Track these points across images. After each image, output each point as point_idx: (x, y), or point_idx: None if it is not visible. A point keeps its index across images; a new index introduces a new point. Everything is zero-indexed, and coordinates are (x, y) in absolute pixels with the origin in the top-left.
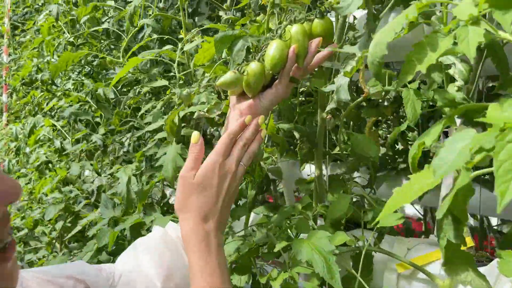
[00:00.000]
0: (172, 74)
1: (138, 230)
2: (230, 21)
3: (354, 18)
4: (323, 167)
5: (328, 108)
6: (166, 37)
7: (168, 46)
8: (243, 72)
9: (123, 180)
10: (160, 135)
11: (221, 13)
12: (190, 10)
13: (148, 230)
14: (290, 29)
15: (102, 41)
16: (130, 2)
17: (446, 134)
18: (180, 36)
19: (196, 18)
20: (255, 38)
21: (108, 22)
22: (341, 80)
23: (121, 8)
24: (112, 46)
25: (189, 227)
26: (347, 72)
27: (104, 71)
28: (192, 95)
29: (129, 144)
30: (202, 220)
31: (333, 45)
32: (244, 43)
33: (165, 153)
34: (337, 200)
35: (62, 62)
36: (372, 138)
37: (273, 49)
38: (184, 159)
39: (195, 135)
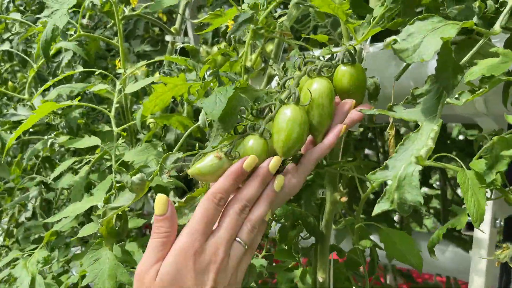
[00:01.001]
0: (97, 110)
1: None
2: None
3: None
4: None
5: (376, 211)
6: (98, 71)
7: (100, 86)
8: (235, 156)
9: (23, 285)
10: (86, 230)
11: (167, 37)
12: (125, 31)
13: None
14: (309, 85)
15: (2, 63)
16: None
17: None
18: (120, 70)
19: (132, 42)
20: (251, 94)
21: (11, 41)
22: (407, 167)
23: (29, 23)
24: (17, 68)
25: None
26: (421, 158)
27: (8, 100)
28: (148, 183)
29: (35, 208)
30: None
31: (366, 105)
32: (237, 104)
33: (97, 260)
34: None
35: None
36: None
37: (286, 122)
38: (133, 269)
39: (161, 200)
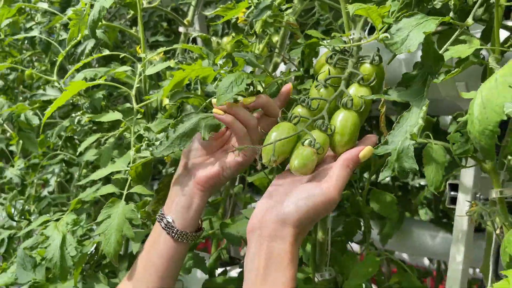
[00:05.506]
0: (117, 94)
1: None
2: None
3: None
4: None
5: (381, 178)
6: (122, 54)
7: (123, 68)
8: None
9: (55, 242)
10: (104, 189)
11: (181, 29)
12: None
13: None
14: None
15: (24, 51)
16: (67, 6)
17: None
18: (141, 55)
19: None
20: None
21: (33, 28)
22: (403, 142)
23: (56, 12)
24: (35, 58)
25: None
26: (414, 135)
27: (24, 88)
28: None
29: (56, 182)
30: None
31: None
32: None
33: (109, 216)
34: (363, 264)
35: None
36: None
37: (350, 126)
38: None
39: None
